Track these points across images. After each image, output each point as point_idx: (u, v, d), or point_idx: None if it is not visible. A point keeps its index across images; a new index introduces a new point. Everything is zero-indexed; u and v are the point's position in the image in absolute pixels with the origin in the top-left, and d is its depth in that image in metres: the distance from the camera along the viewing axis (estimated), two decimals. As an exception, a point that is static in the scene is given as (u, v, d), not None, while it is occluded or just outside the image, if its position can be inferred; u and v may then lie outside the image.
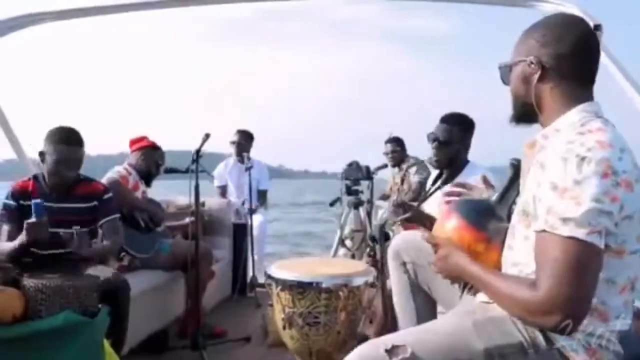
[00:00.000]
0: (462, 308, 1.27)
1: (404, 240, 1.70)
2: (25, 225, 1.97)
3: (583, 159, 0.97)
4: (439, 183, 2.32)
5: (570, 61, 1.11)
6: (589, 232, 0.96)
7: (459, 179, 2.25)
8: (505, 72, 1.23)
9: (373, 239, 2.90)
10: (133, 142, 3.01)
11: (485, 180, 1.72)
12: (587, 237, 0.96)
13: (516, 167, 1.33)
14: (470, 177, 2.20)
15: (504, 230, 1.26)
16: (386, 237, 2.72)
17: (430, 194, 2.37)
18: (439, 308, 1.70)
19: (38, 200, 2.02)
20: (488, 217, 1.30)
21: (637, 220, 1.01)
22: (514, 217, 1.21)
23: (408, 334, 1.19)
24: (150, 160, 2.99)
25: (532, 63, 1.13)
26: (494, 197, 1.39)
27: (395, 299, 1.74)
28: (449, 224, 1.33)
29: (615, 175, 0.97)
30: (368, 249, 3.14)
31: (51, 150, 2.15)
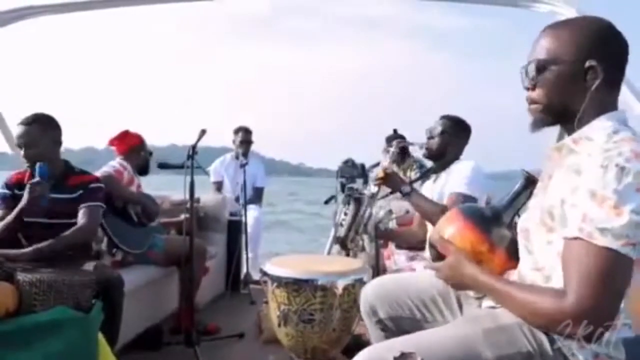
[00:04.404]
0: (470, 315, 1.25)
1: (375, 293, 1.52)
2: (28, 186, 2.02)
3: (622, 169, 0.96)
4: (429, 173, 2.46)
5: (614, 67, 1.08)
6: (624, 243, 0.94)
7: (446, 171, 2.35)
8: (536, 71, 1.10)
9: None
10: (121, 142, 2.94)
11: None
12: (622, 249, 0.94)
13: (527, 178, 1.32)
14: (455, 170, 2.30)
15: (507, 238, 1.26)
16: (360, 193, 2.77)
17: (416, 180, 2.45)
18: None
19: (43, 165, 2.05)
20: (493, 222, 1.30)
21: None
22: (529, 222, 1.18)
23: (416, 340, 1.15)
24: (144, 154, 3.01)
25: (592, 66, 1.06)
26: (501, 204, 1.37)
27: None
28: (453, 225, 1.30)
29: None
30: (345, 207, 3.07)
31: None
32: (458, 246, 1.25)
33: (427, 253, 2.12)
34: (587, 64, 1.06)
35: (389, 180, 2.28)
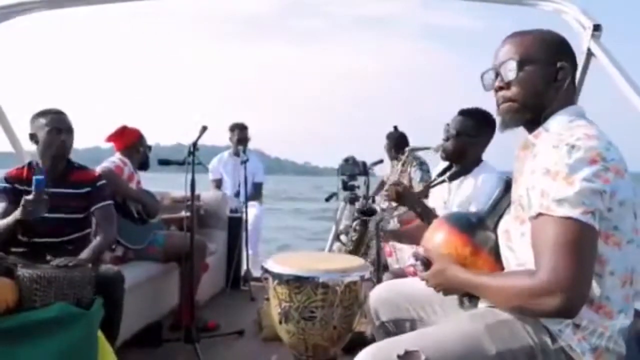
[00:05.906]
0: (471, 312, 1.25)
1: (379, 299, 1.59)
2: (22, 201, 1.92)
3: (573, 146, 1.02)
4: (445, 176, 2.23)
5: (575, 68, 1.19)
6: (583, 211, 0.98)
7: (469, 178, 2.17)
8: (517, 68, 1.16)
9: (362, 212, 2.86)
10: (119, 138, 2.92)
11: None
12: (581, 217, 0.98)
13: (506, 182, 1.35)
14: (478, 177, 2.12)
15: (491, 240, 1.28)
16: (371, 213, 2.71)
17: (434, 186, 2.32)
18: None
19: (40, 177, 1.97)
20: (477, 226, 1.32)
21: (630, 208, 1.05)
22: (507, 221, 1.23)
23: (419, 338, 1.16)
24: (144, 149, 3.00)
25: (562, 68, 1.15)
26: (484, 210, 1.41)
27: None
28: (439, 234, 1.33)
29: (604, 161, 1.01)
30: (354, 223, 3.08)
31: (42, 123, 2.17)
32: (444, 252, 1.28)
33: None
34: (559, 64, 1.15)
35: (404, 199, 2.19)
